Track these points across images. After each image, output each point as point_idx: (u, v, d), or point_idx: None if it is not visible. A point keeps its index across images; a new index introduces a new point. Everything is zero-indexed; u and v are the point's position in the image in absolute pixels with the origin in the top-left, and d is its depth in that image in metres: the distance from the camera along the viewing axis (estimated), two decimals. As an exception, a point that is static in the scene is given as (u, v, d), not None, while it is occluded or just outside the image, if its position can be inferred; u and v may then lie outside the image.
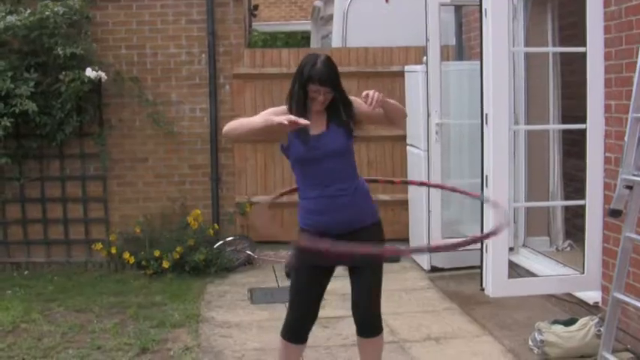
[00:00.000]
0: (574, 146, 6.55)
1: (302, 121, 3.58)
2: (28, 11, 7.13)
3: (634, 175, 4.08)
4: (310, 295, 3.96)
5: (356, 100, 3.89)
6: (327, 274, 3.98)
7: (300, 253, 3.97)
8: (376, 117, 3.90)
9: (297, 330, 4.00)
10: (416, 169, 7.26)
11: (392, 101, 3.92)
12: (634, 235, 4.18)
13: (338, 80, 3.82)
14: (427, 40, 6.77)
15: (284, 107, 3.88)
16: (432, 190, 6.84)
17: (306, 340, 4.05)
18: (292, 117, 3.61)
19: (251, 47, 10.32)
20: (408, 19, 7.98)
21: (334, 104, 3.84)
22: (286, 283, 6.12)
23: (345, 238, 3.78)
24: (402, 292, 6.57)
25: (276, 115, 3.75)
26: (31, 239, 7.75)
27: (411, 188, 7.49)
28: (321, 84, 3.75)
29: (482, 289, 5.32)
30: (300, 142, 3.81)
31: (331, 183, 3.82)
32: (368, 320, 3.95)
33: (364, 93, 3.70)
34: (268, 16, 17.00)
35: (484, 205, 5.14)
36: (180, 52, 7.83)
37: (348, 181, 3.88)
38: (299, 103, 3.80)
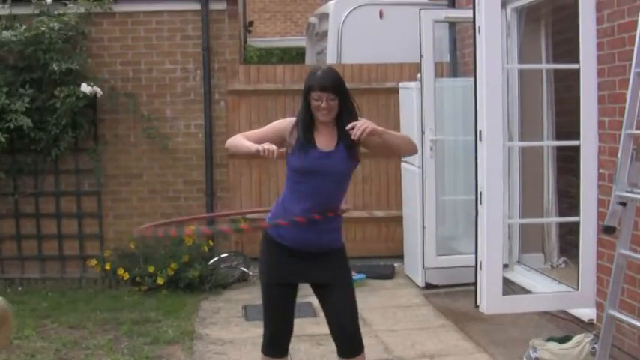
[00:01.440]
0: (568, 163, 6.56)
1: (275, 152, 3.63)
2: (24, 27, 7.15)
3: (627, 191, 4.09)
4: (282, 309, 3.97)
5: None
6: (293, 289, 3.99)
7: (265, 271, 3.99)
8: (372, 145, 3.85)
9: (275, 344, 4.01)
10: (410, 186, 7.26)
11: (396, 134, 3.90)
12: (628, 252, 4.19)
13: (342, 87, 3.77)
14: (421, 56, 6.80)
15: (292, 119, 3.91)
16: (426, 206, 6.85)
17: (286, 354, 4.06)
18: (266, 146, 3.63)
19: (246, 63, 10.34)
20: (403, 35, 8.00)
21: (344, 122, 3.78)
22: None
23: (315, 257, 3.85)
24: (397, 308, 6.56)
25: (280, 129, 3.88)
26: (25, 255, 7.73)
27: (407, 204, 7.48)
28: (321, 90, 3.72)
29: (477, 306, 5.31)
30: (303, 154, 3.80)
31: (323, 202, 3.81)
32: (349, 341, 3.91)
33: (350, 125, 3.66)
34: (263, 32, 17.05)
35: None
36: (175, 68, 7.84)
37: (338, 203, 3.91)
38: (305, 119, 3.80)
